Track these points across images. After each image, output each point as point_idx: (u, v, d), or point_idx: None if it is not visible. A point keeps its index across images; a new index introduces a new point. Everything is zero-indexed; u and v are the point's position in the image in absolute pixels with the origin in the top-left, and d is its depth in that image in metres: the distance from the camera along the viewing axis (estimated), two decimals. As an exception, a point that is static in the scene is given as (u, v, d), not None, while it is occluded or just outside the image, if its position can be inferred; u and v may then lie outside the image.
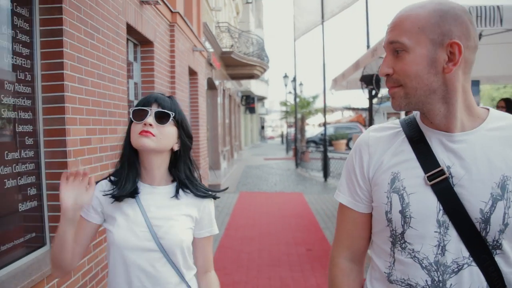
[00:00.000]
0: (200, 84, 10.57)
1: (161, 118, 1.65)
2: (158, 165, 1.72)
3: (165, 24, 7.24)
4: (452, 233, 1.17)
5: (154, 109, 1.65)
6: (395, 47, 1.20)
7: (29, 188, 3.42)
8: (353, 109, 38.58)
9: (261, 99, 42.69)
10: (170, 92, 7.43)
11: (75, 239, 1.63)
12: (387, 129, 1.38)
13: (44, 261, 3.29)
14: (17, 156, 3.27)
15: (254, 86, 31.45)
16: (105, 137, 4.33)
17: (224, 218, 8.35)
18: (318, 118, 36.34)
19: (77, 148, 3.73)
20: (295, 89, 20.83)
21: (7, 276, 2.97)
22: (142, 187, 1.72)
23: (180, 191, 1.74)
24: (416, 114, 1.35)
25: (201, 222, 1.77)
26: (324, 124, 14.69)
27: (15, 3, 3.26)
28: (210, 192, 1.79)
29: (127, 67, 5.42)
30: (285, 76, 26.19)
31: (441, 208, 1.18)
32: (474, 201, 1.16)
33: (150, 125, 1.62)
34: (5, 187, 3.12)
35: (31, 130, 3.45)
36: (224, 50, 15.65)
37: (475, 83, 8.06)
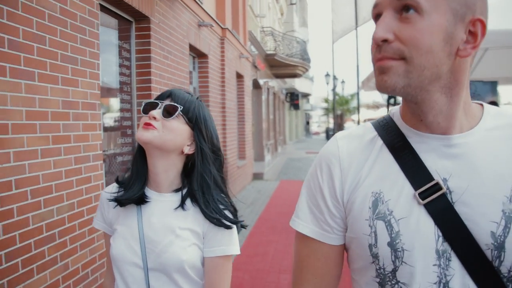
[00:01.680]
0: (246, 86, 12.21)
1: (169, 112, 1.44)
2: (165, 168, 1.48)
3: (217, 39, 8.90)
4: (456, 265, 0.90)
5: (165, 102, 1.45)
6: (404, 4, 0.87)
7: (127, 164, 5.13)
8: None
9: (306, 95, 44.00)
10: (220, 94, 9.09)
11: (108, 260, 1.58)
12: (360, 136, 1.08)
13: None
14: (122, 141, 4.99)
15: (298, 84, 32.84)
16: (175, 129, 6.02)
17: (265, 199, 9.94)
18: (362, 115, 37.29)
19: (158, 137, 5.41)
20: (334, 89, 22.16)
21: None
22: (149, 194, 1.50)
23: (188, 201, 1.48)
24: (393, 113, 1.07)
25: (211, 238, 1.46)
26: (358, 121, 16.04)
27: (122, 40, 4.97)
28: (224, 221, 1.46)
29: (188, 75, 7.09)
30: (327, 75, 27.55)
31: (440, 234, 0.90)
32: (482, 222, 0.88)
33: (154, 118, 1.41)
34: (117, 161, 4.84)
35: (130, 125, 5.17)
36: (268, 52, 17.22)
37: (494, 84, 8.90)
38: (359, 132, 1.09)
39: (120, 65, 4.98)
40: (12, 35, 2.79)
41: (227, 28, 9.20)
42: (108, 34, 4.71)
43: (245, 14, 12.37)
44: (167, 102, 1.45)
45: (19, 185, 2.86)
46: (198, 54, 7.97)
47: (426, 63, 0.87)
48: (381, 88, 0.92)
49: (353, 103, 27.09)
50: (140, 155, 1.51)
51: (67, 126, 3.38)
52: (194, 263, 1.44)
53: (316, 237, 1.06)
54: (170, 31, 5.92)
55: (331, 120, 38.98)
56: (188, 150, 1.49)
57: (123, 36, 5.08)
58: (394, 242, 0.92)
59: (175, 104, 1.44)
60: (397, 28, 0.87)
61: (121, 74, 4.99)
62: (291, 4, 30.40)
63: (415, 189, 0.93)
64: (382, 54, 0.90)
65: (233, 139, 10.42)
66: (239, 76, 11.51)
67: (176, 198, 1.48)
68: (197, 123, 1.48)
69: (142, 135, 1.40)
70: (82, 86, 3.59)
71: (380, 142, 1.03)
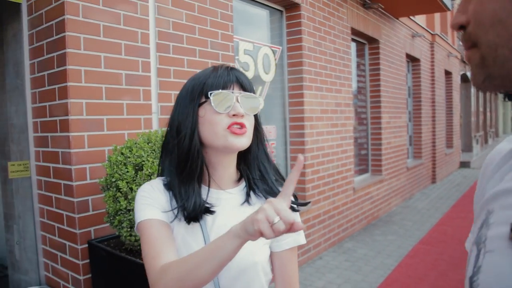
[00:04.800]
0: (454, 81, 13.39)
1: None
2: (229, 163, 1.25)
3: (427, 44, 10.50)
4: None
5: (237, 92, 1.17)
6: None
7: (364, 144, 7.29)
8: None
9: (525, 85, 40.65)
10: (430, 90, 10.67)
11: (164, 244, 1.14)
12: None
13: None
14: (360, 128, 7.15)
15: (514, 73, 31.07)
16: (393, 120, 7.97)
17: (470, 183, 11.16)
18: None
19: (385, 125, 7.44)
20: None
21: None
22: (210, 193, 1.23)
23: (252, 194, 1.26)
24: None
25: None
26: None
27: (359, 58, 7.17)
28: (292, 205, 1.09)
29: (405, 78, 8.94)
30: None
31: None
32: None
33: (242, 116, 1.16)
34: (357, 141, 7.01)
35: (365, 117, 7.32)
36: (477, 46, 17.67)
37: None
38: None
39: (358, 75, 7.15)
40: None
41: (436, 34, 10.71)
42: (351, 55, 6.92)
43: (453, 14, 13.47)
44: (239, 92, 1.17)
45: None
46: (411, 59, 9.73)
47: (497, 38, 0.59)
48: (473, 85, 0.66)
49: None
50: (198, 153, 1.18)
51: (339, 117, 5.65)
52: (265, 263, 1.23)
53: None
54: (392, 46, 7.88)
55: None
56: None
57: (360, 54, 7.25)
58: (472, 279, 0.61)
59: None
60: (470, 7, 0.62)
61: (358, 81, 7.16)
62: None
63: None
64: (463, 44, 0.65)
65: (442, 130, 11.83)
66: (447, 73, 12.80)
67: (239, 192, 1.26)
68: None
69: (240, 142, 1.16)
70: (343, 92, 5.85)
71: None
